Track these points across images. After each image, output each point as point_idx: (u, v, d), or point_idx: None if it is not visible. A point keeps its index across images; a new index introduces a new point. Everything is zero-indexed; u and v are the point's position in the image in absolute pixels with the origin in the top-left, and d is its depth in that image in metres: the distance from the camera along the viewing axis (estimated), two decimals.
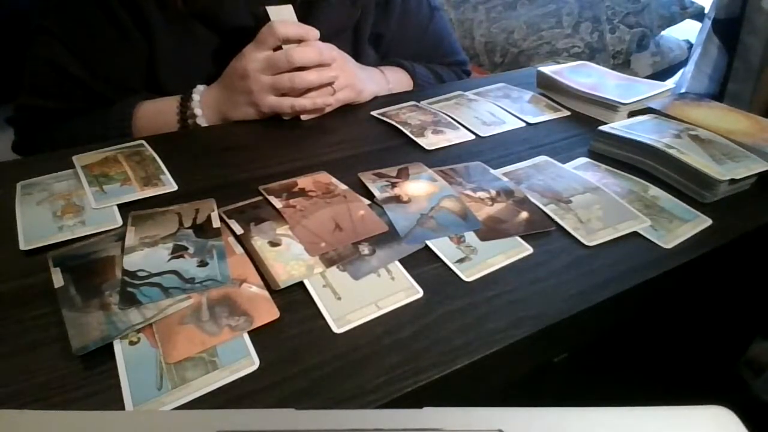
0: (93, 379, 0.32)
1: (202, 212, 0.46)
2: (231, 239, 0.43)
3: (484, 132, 0.64)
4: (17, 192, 0.48)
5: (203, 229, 0.44)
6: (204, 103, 0.64)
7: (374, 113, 0.68)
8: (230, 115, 0.64)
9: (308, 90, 0.63)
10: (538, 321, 0.37)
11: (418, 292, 0.39)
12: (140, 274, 0.39)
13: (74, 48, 0.62)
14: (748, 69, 1.08)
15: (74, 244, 0.42)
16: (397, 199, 0.49)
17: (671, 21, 1.58)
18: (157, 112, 0.65)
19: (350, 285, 0.39)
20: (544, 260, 0.43)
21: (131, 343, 0.34)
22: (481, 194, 0.50)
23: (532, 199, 0.50)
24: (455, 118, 0.67)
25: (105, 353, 0.33)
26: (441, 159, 0.57)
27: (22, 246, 0.42)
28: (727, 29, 1.12)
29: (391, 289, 0.39)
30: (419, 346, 0.35)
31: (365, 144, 0.61)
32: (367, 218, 0.46)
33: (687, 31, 1.63)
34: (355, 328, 0.36)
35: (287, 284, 0.39)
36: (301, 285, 0.39)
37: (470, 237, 0.45)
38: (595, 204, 0.50)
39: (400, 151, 0.59)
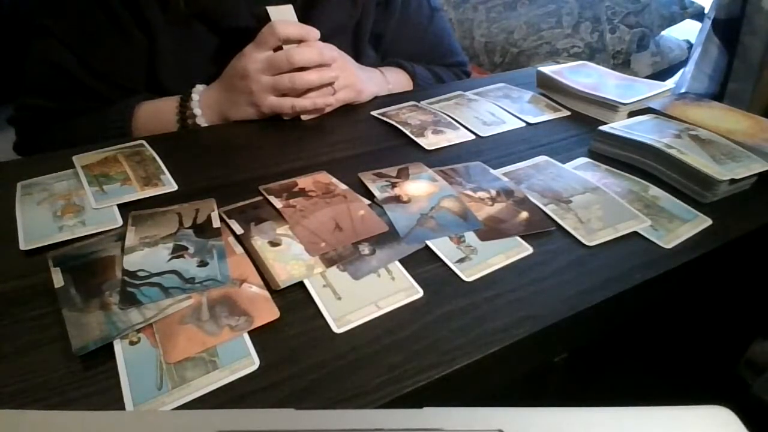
0: (93, 379, 0.32)
1: (202, 212, 0.46)
2: (231, 239, 0.43)
3: (484, 132, 0.64)
4: (17, 192, 0.48)
5: (203, 229, 0.44)
6: (204, 103, 0.64)
7: (374, 113, 0.68)
8: (230, 115, 0.64)
9: (308, 90, 0.63)
10: (538, 321, 0.37)
11: (418, 292, 0.39)
12: (140, 274, 0.39)
13: (75, 48, 0.62)
14: (748, 69, 1.08)
15: (74, 244, 0.42)
16: (397, 199, 0.49)
17: (671, 21, 1.58)
18: (157, 112, 0.65)
19: (350, 285, 0.39)
20: (544, 260, 0.43)
21: (131, 343, 0.34)
22: (481, 194, 0.50)
23: (532, 199, 0.50)
24: (455, 118, 0.67)
25: (105, 353, 0.33)
26: (441, 159, 0.57)
27: (22, 246, 0.42)
28: (727, 29, 1.12)
29: (391, 289, 0.39)
30: (419, 346, 0.35)
31: (365, 144, 0.61)
32: (367, 218, 0.46)
33: (687, 31, 1.63)
34: (355, 328, 0.36)
35: (287, 284, 0.39)
36: (301, 285, 0.39)
37: (470, 237, 0.45)
38: (595, 204, 0.50)
39: (400, 151, 0.59)
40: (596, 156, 0.59)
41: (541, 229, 0.46)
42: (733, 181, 0.51)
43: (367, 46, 0.78)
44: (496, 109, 0.70)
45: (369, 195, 0.50)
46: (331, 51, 0.64)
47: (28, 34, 0.64)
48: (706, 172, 0.51)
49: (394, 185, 0.51)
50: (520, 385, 0.43)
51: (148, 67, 0.66)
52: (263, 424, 0.21)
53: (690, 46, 1.57)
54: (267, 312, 0.36)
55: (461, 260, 0.42)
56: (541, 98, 0.74)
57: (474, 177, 0.53)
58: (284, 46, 0.61)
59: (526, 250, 0.44)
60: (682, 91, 1.17)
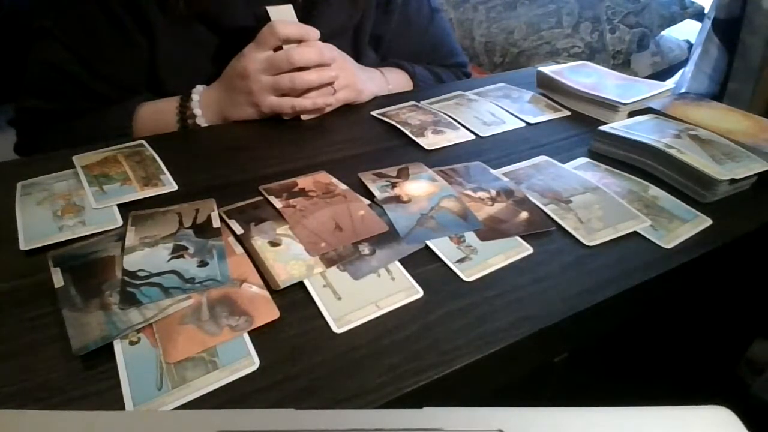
0: (93, 379, 0.32)
1: (202, 212, 0.46)
2: (231, 239, 0.43)
3: (484, 132, 0.64)
4: (17, 192, 0.48)
5: (203, 229, 0.44)
6: (204, 104, 0.64)
7: (374, 113, 0.68)
8: (230, 115, 0.64)
9: (308, 90, 0.63)
10: (538, 321, 0.37)
11: (418, 292, 0.39)
12: (140, 274, 0.39)
13: (75, 49, 0.62)
14: (748, 69, 1.08)
15: (74, 244, 0.42)
16: (397, 199, 0.49)
17: (671, 21, 1.58)
18: (157, 113, 0.65)
19: (350, 285, 0.39)
20: (544, 260, 0.43)
21: (131, 343, 0.34)
22: (481, 194, 0.50)
23: (532, 199, 0.50)
24: (455, 118, 0.66)
25: (105, 353, 0.33)
26: (441, 159, 0.57)
27: (22, 246, 0.42)
28: (727, 29, 1.12)
29: (391, 289, 0.39)
30: (419, 346, 0.35)
31: (365, 144, 0.61)
32: (367, 218, 0.46)
33: (687, 31, 1.63)
34: (355, 328, 0.36)
35: (287, 284, 0.39)
36: (301, 285, 0.39)
37: (470, 237, 0.45)
38: (595, 204, 0.50)
39: (400, 151, 0.59)
40: (596, 156, 0.59)
41: (541, 229, 0.46)
42: (733, 181, 0.51)
43: (367, 47, 0.78)
44: (496, 109, 0.70)
45: (369, 195, 0.50)
46: (331, 51, 0.64)
47: (28, 35, 0.64)
48: (706, 172, 0.51)
49: (394, 185, 0.51)
50: (520, 385, 0.43)
51: (148, 68, 0.66)
52: (263, 424, 0.21)
53: (690, 46, 1.57)
54: (267, 312, 0.36)
55: (461, 260, 0.42)
56: (541, 98, 0.74)
57: (474, 177, 0.53)
58: (284, 46, 0.61)
59: (526, 250, 0.44)
60: (682, 91, 1.17)
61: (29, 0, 0.78)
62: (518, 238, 0.45)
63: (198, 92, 0.64)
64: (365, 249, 0.43)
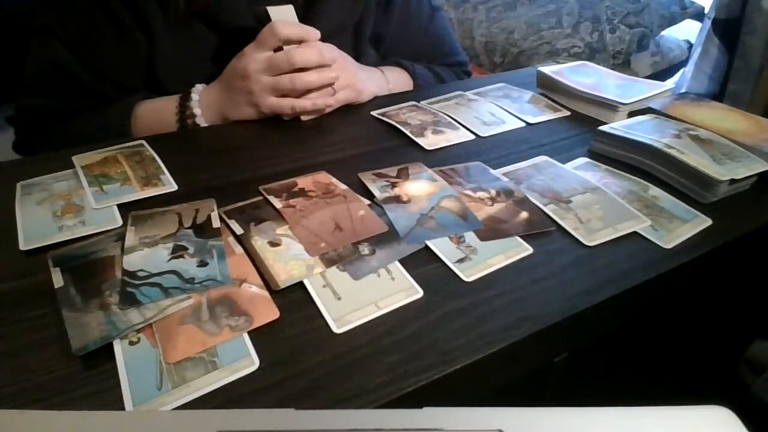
0: (93, 379, 0.32)
1: (202, 212, 0.46)
2: (231, 239, 0.43)
3: (484, 132, 0.64)
4: (17, 192, 0.48)
5: (203, 229, 0.44)
6: (203, 103, 0.64)
7: (374, 113, 0.68)
8: (230, 115, 0.64)
9: (309, 90, 0.63)
10: (538, 321, 0.37)
11: (418, 292, 0.39)
12: (140, 274, 0.39)
13: (74, 47, 0.62)
14: (748, 69, 1.08)
15: (74, 244, 0.42)
16: (397, 199, 0.49)
17: (671, 21, 1.58)
18: (156, 112, 0.65)
19: (350, 285, 0.39)
20: (544, 260, 0.43)
21: (131, 343, 0.34)
22: (481, 194, 0.50)
23: (532, 199, 0.50)
24: (455, 118, 0.66)
25: (105, 353, 0.33)
26: (441, 159, 0.57)
27: (22, 246, 0.42)
28: (727, 29, 1.12)
29: (391, 289, 0.39)
30: (419, 346, 0.35)
31: (365, 144, 0.61)
32: (367, 218, 0.46)
33: (687, 31, 1.63)
34: (355, 328, 0.36)
35: (287, 284, 0.39)
36: (301, 285, 0.39)
37: (470, 237, 0.45)
38: (595, 204, 0.50)
39: (400, 151, 0.59)
40: (596, 156, 0.59)
41: (541, 229, 0.46)
42: (733, 181, 0.51)
43: (367, 46, 0.78)
44: (496, 109, 0.70)
45: (369, 195, 0.50)
46: (331, 51, 0.64)
47: (28, 33, 0.64)
48: (706, 172, 0.51)
49: (394, 185, 0.51)
50: (520, 385, 0.43)
51: (147, 67, 0.66)
52: (263, 424, 0.21)
53: (690, 46, 1.57)
54: (267, 312, 0.36)
55: (461, 260, 0.42)
56: (541, 98, 0.74)
57: (474, 177, 0.53)
58: (284, 47, 0.61)
59: (526, 250, 0.44)
60: (682, 91, 1.17)
61: (29, 0, 0.78)
62: (518, 238, 0.45)
63: (197, 91, 0.64)
64: (365, 249, 0.43)
